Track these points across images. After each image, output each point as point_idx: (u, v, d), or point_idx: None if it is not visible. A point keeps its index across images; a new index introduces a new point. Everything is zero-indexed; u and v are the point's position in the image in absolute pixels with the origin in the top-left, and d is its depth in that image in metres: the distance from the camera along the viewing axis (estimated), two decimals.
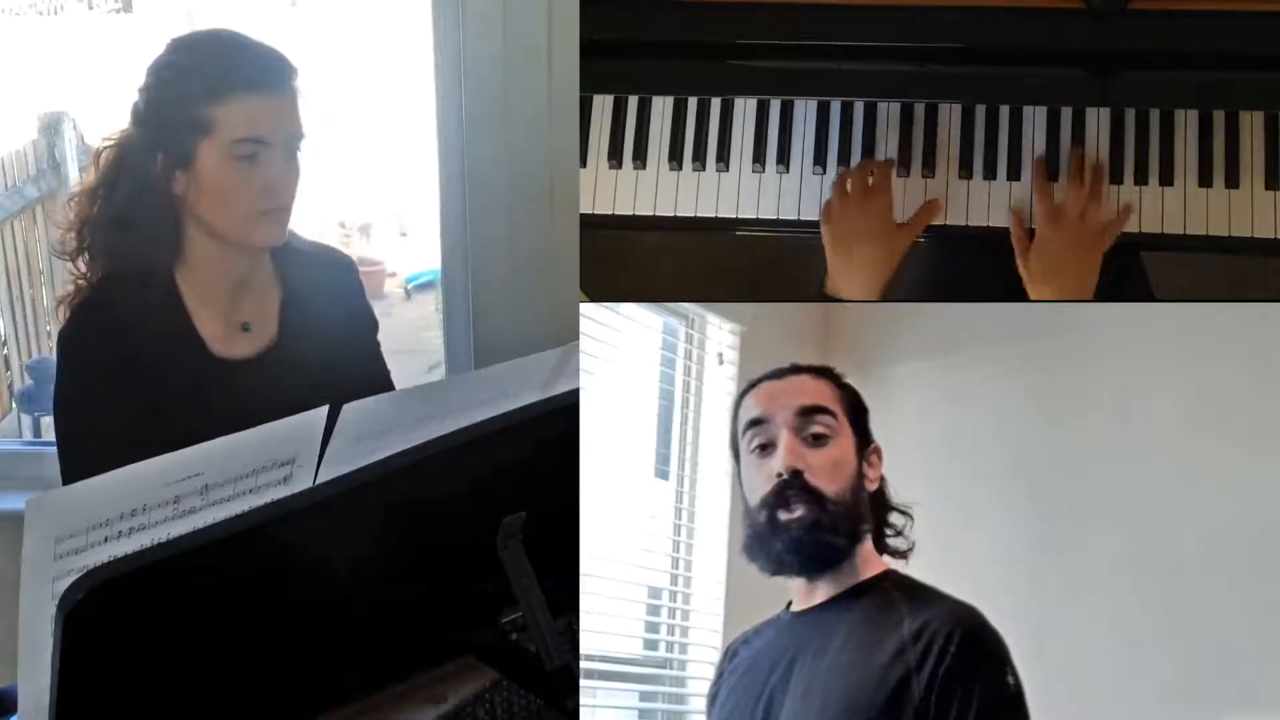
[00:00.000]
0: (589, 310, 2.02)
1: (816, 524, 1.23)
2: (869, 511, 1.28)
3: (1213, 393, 1.95)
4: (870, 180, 1.72)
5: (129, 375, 1.82)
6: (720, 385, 2.21)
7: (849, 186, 1.73)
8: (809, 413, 1.27)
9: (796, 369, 1.32)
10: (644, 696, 2.10)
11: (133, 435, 1.79)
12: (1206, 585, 1.87)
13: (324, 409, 1.31)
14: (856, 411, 1.30)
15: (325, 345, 1.96)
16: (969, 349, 2.14)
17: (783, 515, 1.24)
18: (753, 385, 1.32)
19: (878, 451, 1.30)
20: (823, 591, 1.27)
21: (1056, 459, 2.05)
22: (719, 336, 2.24)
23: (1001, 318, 2.09)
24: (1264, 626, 1.82)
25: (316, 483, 1.29)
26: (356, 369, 2.00)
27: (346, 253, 2.18)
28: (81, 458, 1.81)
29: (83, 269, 1.88)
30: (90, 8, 6.46)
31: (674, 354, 2.18)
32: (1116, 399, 2.02)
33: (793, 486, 1.24)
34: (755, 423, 1.29)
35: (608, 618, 2.06)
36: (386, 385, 2.08)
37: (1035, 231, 1.69)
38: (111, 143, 1.86)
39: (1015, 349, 2.11)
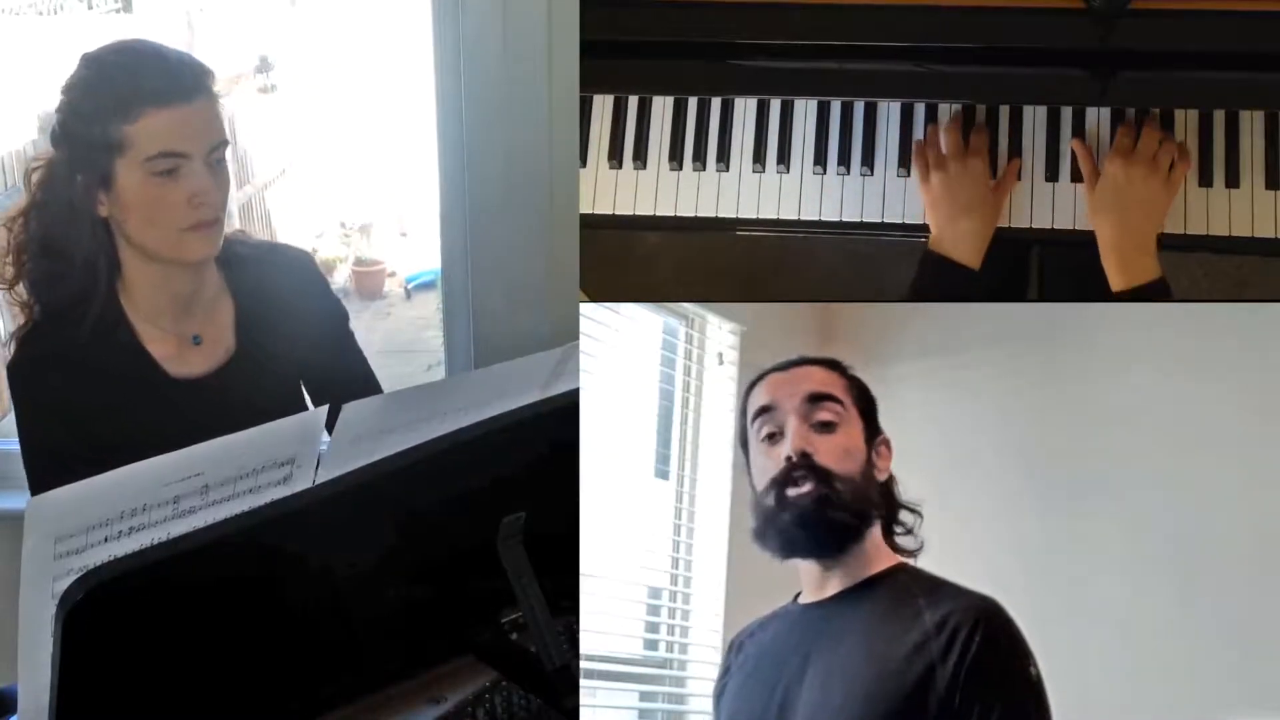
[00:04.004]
0: (589, 310, 2.02)
1: (824, 499, 1.23)
2: (879, 498, 1.27)
3: (1212, 392, 1.95)
4: (967, 142, 1.74)
5: (82, 403, 1.79)
6: (720, 385, 2.21)
7: (944, 146, 1.75)
8: (816, 399, 1.27)
9: (804, 360, 1.32)
10: (644, 696, 2.10)
11: (95, 462, 1.78)
12: (1207, 581, 1.88)
13: (324, 409, 1.31)
14: (865, 401, 1.30)
15: (291, 348, 1.91)
16: (968, 349, 2.14)
17: (791, 491, 1.24)
18: (761, 376, 1.32)
19: (886, 443, 1.30)
20: (835, 583, 1.27)
21: (1056, 457, 2.06)
22: (719, 336, 2.24)
23: (1001, 318, 2.10)
24: (1266, 623, 1.82)
25: (316, 483, 1.29)
26: (331, 365, 1.97)
27: (301, 246, 2.11)
28: (48, 480, 1.78)
29: (23, 296, 1.83)
30: (90, 8, 6.45)
31: (674, 354, 2.18)
32: (1116, 397, 2.03)
33: (801, 468, 1.24)
34: (763, 410, 1.29)
35: (608, 618, 2.05)
36: (367, 375, 2.04)
37: (1105, 166, 1.71)
38: (40, 163, 1.81)
39: (1015, 348, 2.11)
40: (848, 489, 1.24)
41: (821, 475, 1.23)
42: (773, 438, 1.27)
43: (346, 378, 1.97)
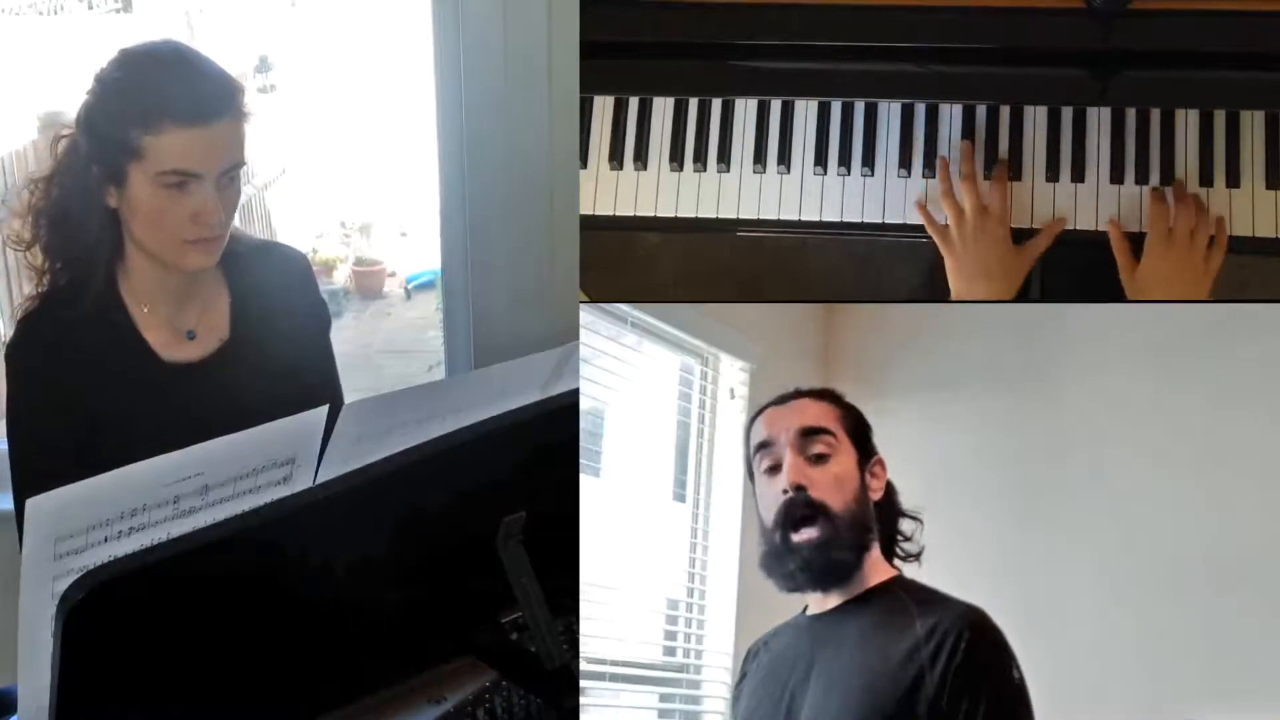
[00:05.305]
0: (589, 310, 2.02)
1: (826, 542, 1.31)
2: (874, 522, 1.35)
3: (1211, 398, 1.96)
4: (986, 202, 1.72)
5: (76, 384, 1.81)
6: (732, 418, 2.31)
7: (964, 203, 1.73)
8: (810, 433, 1.35)
9: (799, 393, 1.39)
10: (663, 698, 2.20)
11: (86, 444, 1.79)
12: (1179, 584, 1.91)
13: (324, 408, 1.31)
14: (858, 428, 1.37)
15: (278, 344, 1.94)
16: (959, 379, 2.21)
17: (795, 537, 1.31)
18: (760, 411, 1.40)
19: (880, 463, 1.37)
20: (836, 597, 1.34)
21: (1038, 474, 2.10)
22: (731, 374, 2.33)
23: (991, 350, 2.16)
24: (1236, 624, 1.85)
25: (316, 483, 1.29)
26: (307, 368, 1.99)
27: (297, 248, 2.15)
28: (32, 471, 1.80)
29: (38, 261, 1.85)
30: (90, 8, 6.46)
31: (690, 389, 2.29)
32: (1092, 413, 2.06)
33: (798, 503, 1.32)
34: (763, 446, 1.37)
35: (630, 626, 2.13)
36: (334, 383, 2.07)
37: (1144, 254, 1.70)
38: (68, 134, 1.82)
39: (1002, 376, 2.16)
40: (845, 523, 1.32)
41: (821, 512, 1.31)
42: (773, 470, 1.35)
43: (317, 380, 1.99)
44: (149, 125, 1.72)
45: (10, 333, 1.88)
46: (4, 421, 1.90)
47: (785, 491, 1.32)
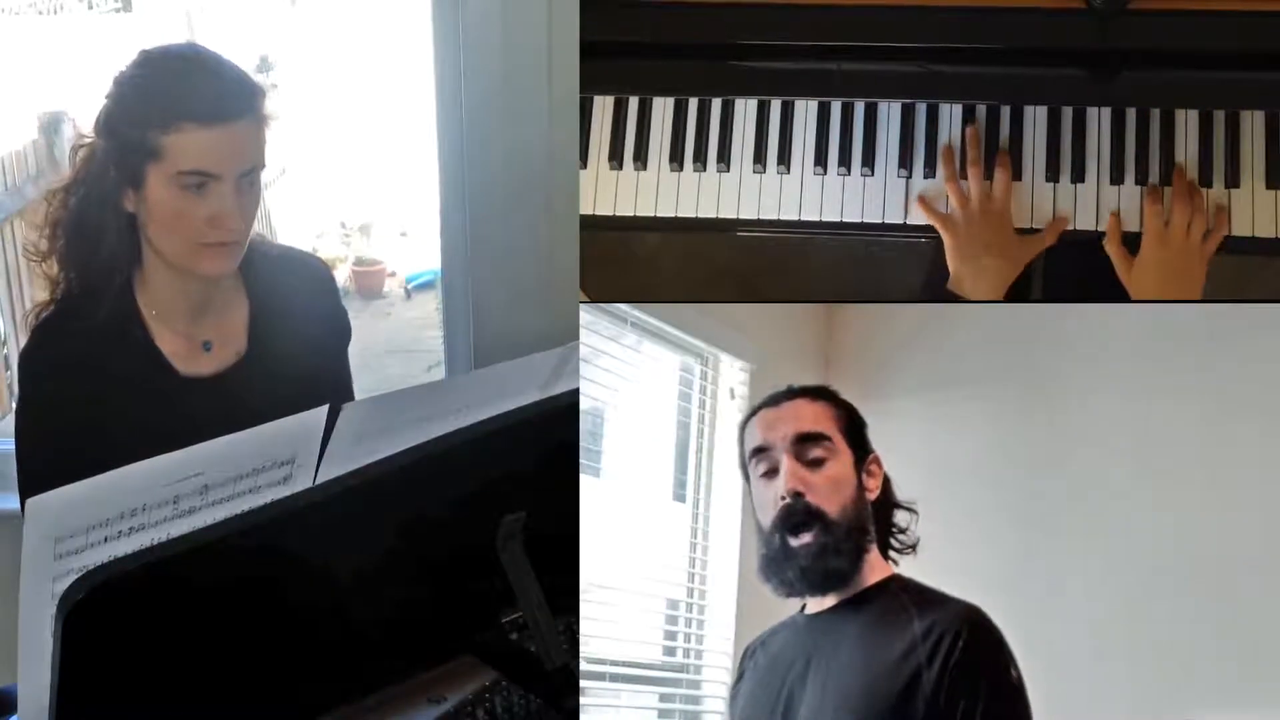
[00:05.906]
0: (589, 310, 2.02)
1: (823, 549, 1.31)
2: (872, 523, 1.35)
3: (1210, 398, 1.96)
4: (991, 189, 1.74)
5: (90, 396, 1.79)
6: (732, 418, 2.32)
7: (970, 192, 1.74)
8: (806, 439, 1.34)
9: (792, 392, 1.39)
10: (663, 698, 2.21)
11: (96, 455, 1.77)
12: (1174, 584, 1.92)
13: (324, 408, 1.31)
14: (853, 427, 1.37)
15: (296, 356, 1.92)
16: (958, 381, 2.21)
17: (792, 541, 1.31)
18: (755, 412, 1.39)
19: (877, 460, 1.37)
20: (834, 596, 1.34)
21: (1036, 476, 2.10)
22: (731, 374, 2.34)
23: (989, 352, 2.17)
24: (1230, 624, 1.86)
25: (316, 483, 1.29)
26: (324, 381, 1.96)
27: (323, 258, 2.14)
28: (39, 479, 1.77)
29: (53, 273, 1.83)
30: (90, 8, 6.46)
31: (690, 389, 2.30)
32: (1091, 418, 2.06)
33: (796, 509, 1.32)
34: (758, 450, 1.36)
35: (630, 626, 2.14)
36: (344, 396, 2.03)
37: (1140, 249, 1.71)
38: (87, 142, 1.81)
39: (1003, 379, 2.17)
40: (842, 529, 1.32)
41: (818, 518, 1.31)
42: (770, 474, 1.35)
43: (330, 392, 1.97)
44: (168, 125, 1.71)
45: (11, 333, 1.87)
46: (14, 421, 1.88)
47: (783, 498, 1.32)
